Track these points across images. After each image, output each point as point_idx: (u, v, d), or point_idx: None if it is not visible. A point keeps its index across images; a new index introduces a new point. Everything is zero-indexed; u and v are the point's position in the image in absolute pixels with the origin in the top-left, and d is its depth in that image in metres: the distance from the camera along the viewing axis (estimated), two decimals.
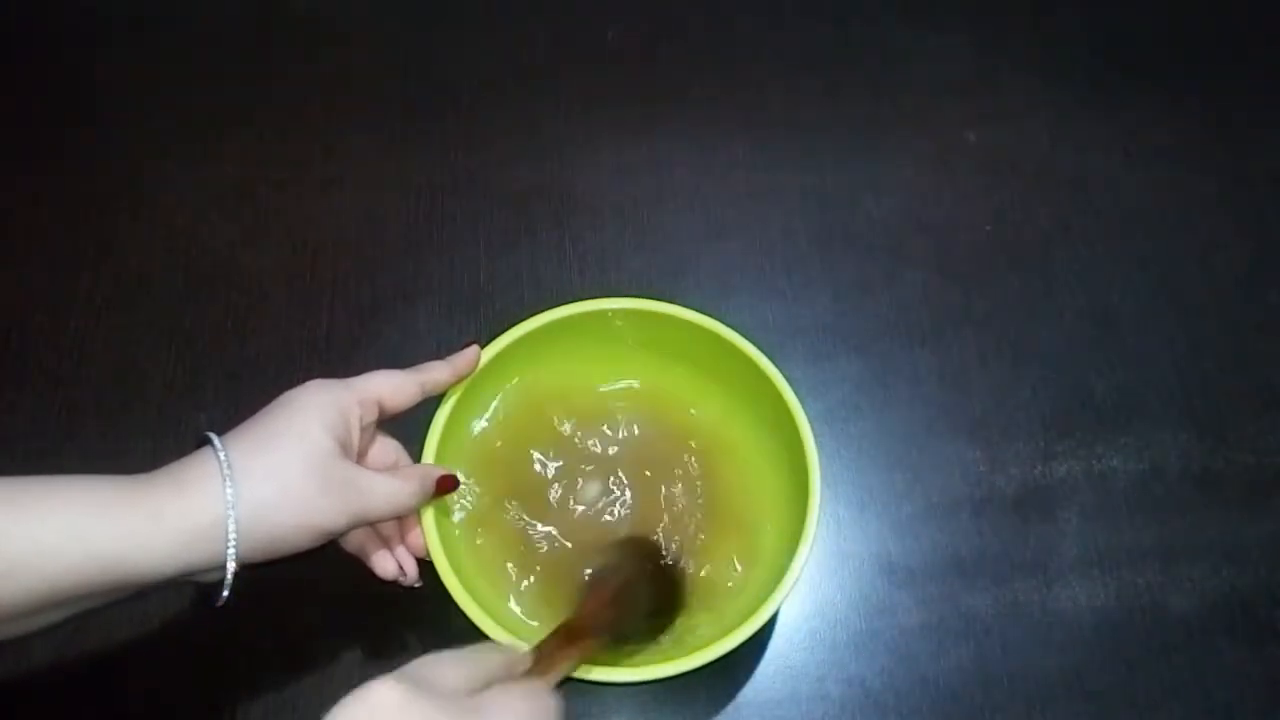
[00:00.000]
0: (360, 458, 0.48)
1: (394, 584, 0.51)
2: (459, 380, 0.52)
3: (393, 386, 0.48)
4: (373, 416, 0.48)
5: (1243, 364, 0.66)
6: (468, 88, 0.75)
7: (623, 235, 0.69)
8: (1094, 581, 0.58)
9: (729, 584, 0.53)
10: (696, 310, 0.55)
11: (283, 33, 0.78)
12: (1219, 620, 0.57)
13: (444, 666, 0.36)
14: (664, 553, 0.53)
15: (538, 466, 0.56)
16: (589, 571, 0.52)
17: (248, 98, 0.75)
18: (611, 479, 0.55)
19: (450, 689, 0.35)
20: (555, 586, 0.52)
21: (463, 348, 0.52)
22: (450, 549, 0.49)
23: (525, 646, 0.43)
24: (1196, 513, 0.61)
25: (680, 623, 0.52)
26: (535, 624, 0.51)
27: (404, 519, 0.51)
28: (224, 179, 0.71)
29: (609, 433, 0.57)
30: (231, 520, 0.40)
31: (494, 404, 0.57)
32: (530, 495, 0.55)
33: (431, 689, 0.34)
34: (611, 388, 0.58)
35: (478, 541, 0.53)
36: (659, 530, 0.54)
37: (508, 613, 0.51)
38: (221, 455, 0.41)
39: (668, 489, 0.55)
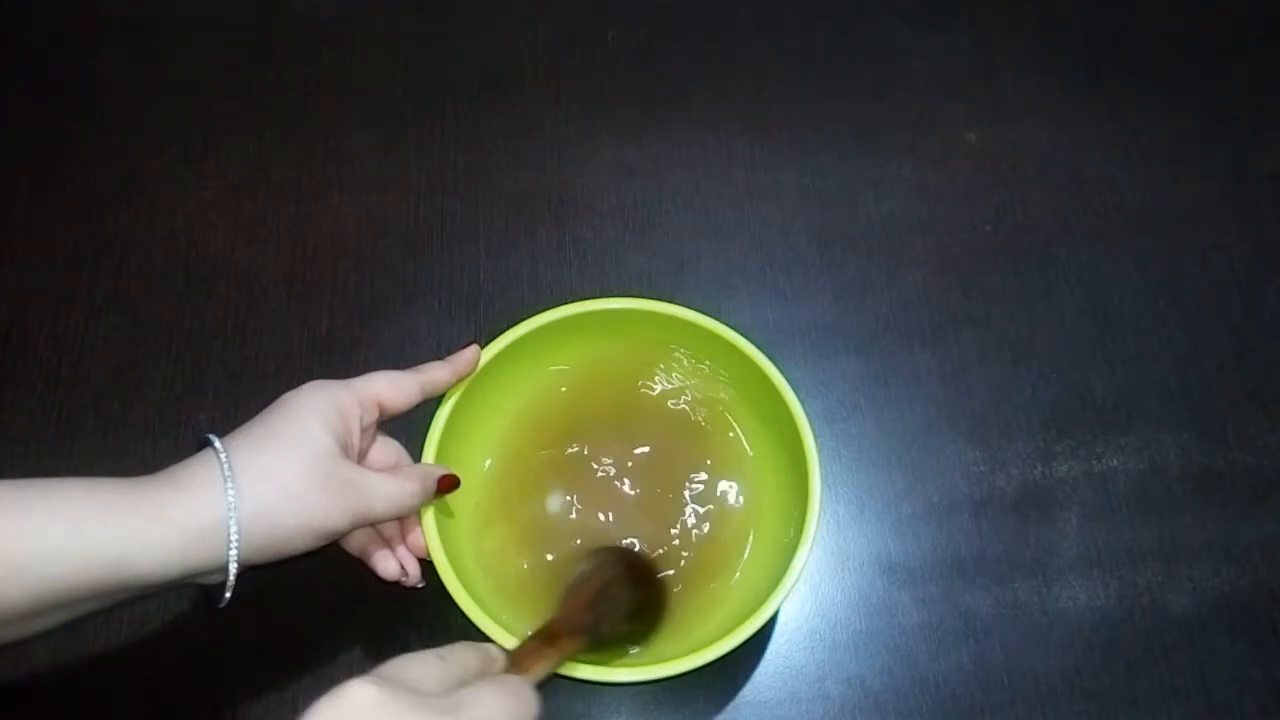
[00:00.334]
0: (361, 458, 0.48)
1: (396, 584, 0.51)
2: (459, 380, 0.52)
3: (393, 387, 0.48)
4: (373, 417, 0.48)
5: (1243, 364, 0.66)
6: (468, 88, 0.75)
7: (623, 235, 0.69)
8: (1094, 581, 0.58)
9: (729, 584, 0.53)
10: (696, 310, 0.55)
11: (283, 33, 0.78)
12: (1219, 620, 0.58)
13: (420, 665, 0.36)
14: (645, 559, 0.54)
15: (538, 467, 0.56)
16: (572, 576, 0.52)
17: (248, 98, 0.75)
18: (611, 478, 0.55)
19: (427, 687, 0.35)
20: (556, 587, 0.52)
21: (463, 348, 0.52)
22: (450, 549, 0.49)
23: (505, 646, 0.43)
24: (1196, 513, 0.61)
25: (666, 627, 0.52)
26: (535, 624, 0.51)
27: (405, 519, 0.51)
28: (224, 179, 0.71)
29: (609, 432, 0.57)
30: (233, 521, 0.40)
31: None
32: (530, 495, 0.55)
33: (408, 687, 0.34)
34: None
35: (478, 541, 0.53)
36: (658, 531, 0.54)
37: (508, 613, 0.51)
38: (222, 456, 0.41)
39: (667, 489, 0.55)
